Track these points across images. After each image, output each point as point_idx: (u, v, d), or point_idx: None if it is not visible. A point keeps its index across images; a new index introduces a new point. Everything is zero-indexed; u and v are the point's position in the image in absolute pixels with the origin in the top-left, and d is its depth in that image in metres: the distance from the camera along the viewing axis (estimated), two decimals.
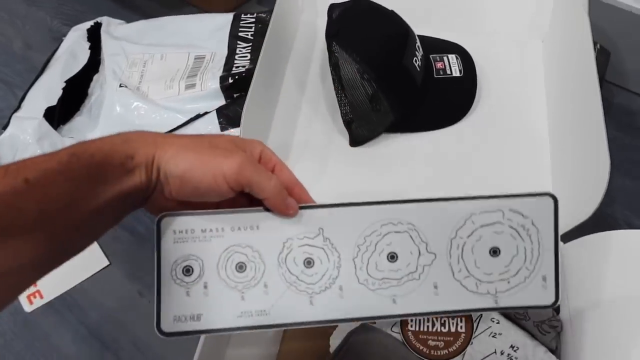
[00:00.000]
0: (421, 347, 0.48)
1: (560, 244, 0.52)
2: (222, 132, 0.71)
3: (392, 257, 0.36)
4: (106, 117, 0.77)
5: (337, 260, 0.36)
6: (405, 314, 0.36)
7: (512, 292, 0.36)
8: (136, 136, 0.33)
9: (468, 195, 0.36)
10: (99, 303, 0.66)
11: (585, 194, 0.51)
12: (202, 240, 0.35)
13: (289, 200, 0.35)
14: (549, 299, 0.36)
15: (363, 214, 0.36)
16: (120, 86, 0.78)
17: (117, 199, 0.32)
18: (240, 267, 0.35)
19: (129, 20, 0.91)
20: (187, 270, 0.35)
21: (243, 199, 0.36)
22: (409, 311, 0.36)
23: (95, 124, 0.78)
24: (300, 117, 0.63)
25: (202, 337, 0.49)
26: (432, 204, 0.36)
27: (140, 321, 0.64)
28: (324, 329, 0.53)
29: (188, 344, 0.56)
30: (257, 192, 0.34)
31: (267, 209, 0.35)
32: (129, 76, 0.80)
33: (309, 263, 0.35)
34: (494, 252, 0.36)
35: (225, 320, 0.35)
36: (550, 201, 0.36)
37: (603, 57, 1.02)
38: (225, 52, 0.82)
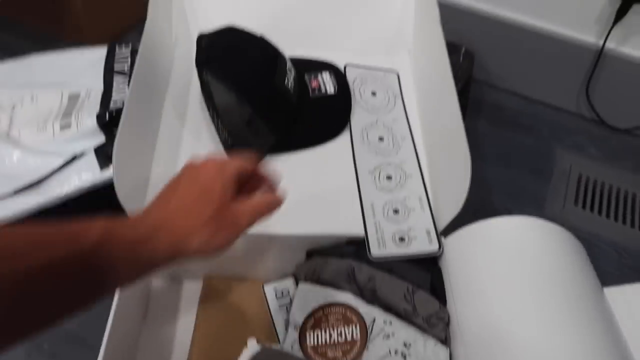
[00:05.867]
0: None
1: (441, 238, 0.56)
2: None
3: None
4: None
5: None
6: None
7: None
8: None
9: None
10: None
11: (454, 190, 0.55)
12: None
13: None
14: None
15: None
16: None
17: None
18: None
19: None
20: None
21: None
22: None
23: None
24: (182, 148, 0.62)
25: None
26: None
27: None
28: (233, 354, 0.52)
29: None
30: None
31: None
32: None
33: None
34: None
35: None
36: None
37: (468, 59, 1.12)
38: (101, 87, 0.79)
